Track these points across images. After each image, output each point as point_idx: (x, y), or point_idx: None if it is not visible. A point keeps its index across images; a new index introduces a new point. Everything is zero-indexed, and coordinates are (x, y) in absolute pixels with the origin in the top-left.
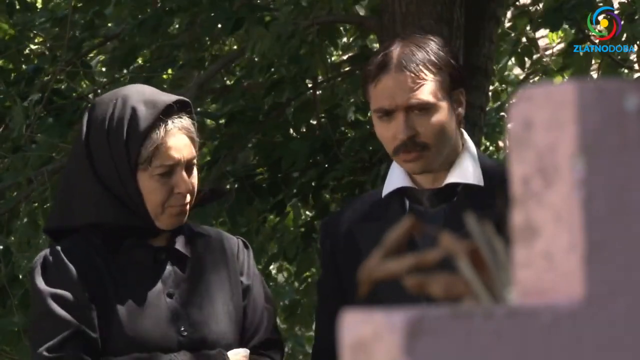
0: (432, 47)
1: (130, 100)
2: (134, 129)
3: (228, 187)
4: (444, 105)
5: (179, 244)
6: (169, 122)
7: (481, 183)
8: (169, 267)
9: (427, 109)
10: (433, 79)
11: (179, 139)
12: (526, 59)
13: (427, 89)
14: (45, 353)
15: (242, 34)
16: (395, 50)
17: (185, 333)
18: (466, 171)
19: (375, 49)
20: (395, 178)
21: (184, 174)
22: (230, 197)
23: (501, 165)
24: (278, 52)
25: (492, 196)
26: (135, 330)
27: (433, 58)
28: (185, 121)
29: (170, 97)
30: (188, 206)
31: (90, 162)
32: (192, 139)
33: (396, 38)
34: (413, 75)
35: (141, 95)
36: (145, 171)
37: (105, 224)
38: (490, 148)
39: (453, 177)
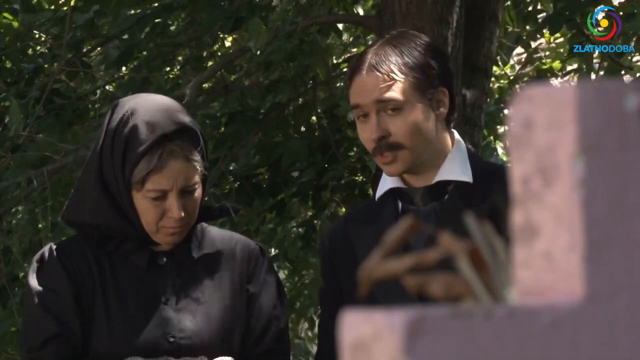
0: (410, 48)
1: (135, 116)
2: (130, 149)
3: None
4: (417, 105)
5: (183, 250)
6: (166, 148)
7: (471, 180)
8: (168, 272)
9: (398, 108)
10: (405, 79)
11: (173, 166)
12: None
13: (398, 88)
14: (25, 353)
15: (241, 32)
16: (370, 51)
17: (173, 339)
18: (455, 169)
19: None
20: (387, 180)
21: (177, 199)
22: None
23: (493, 164)
24: (275, 50)
25: (482, 193)
26: (119, 334)
27: (407, 59)
28: (184, 148)
29: (173, 123)
30: (184, 227)
31: (100, 166)
32: (191, 166)
33: (381, 39)
34: (383, 75)
35: (147, 114)
36: (138, 192)
37: (102, 226)
38: (490, 138)
39: (442, 175)
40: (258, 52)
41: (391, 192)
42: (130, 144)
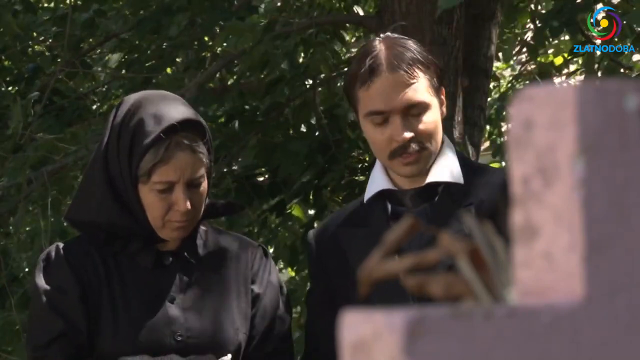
0: (416, 47)
1: (141, 110)
2: (137, 142)
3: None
4: (435, 103)
5: (189, 249)
6: (173, 140)
7: (461, 181)
8: (174, 272)
9: (423, 108)
10: (424, 77)
11: (180, 158)
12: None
13: (421, 88)
14: (30, 352)
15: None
16: (382, 52)
17: (180, 338)
18: (446, 170)
19: None
20: (376, 182)
21: (184, 191)
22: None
23: (482, 165)
24: (272, 49)
25: (473, 194)
26: (125, 332)
27: (420, 57)
28: (191, 140)
29: (179, 114)
30: (190, 222)
31: (105, 163)
32: (197, 158)
33: (374, 40)
34: (407, 74)
35: (153, 107)
36: (145, 184)
37: (106, 224)
38: (494, 135)
39: (433, 177)
40: (249, 52)
41: (380, 195)
42: (137, 136)
